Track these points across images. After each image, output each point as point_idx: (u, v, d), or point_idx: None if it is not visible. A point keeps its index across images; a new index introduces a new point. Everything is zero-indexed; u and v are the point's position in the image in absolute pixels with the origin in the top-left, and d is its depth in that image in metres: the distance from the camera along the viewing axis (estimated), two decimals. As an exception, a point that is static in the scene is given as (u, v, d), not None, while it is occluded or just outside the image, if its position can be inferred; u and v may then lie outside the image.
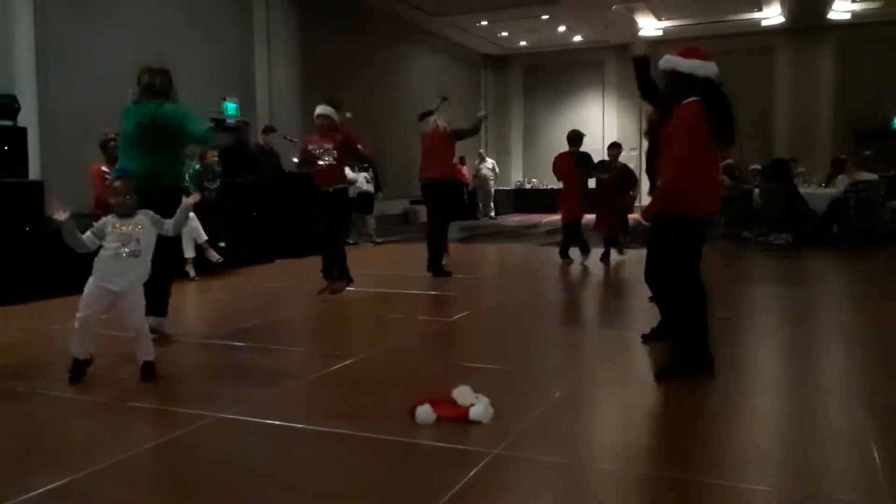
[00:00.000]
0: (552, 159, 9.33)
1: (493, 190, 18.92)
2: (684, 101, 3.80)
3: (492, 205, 18.78)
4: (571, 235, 9.01)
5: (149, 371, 3.91)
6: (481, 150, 19.39)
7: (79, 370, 3.88)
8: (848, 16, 17.70)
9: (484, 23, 18.33)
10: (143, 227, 3.89)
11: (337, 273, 6.42)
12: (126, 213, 3.89)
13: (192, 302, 6.89)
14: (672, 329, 4.15)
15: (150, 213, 3.96)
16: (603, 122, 20.77)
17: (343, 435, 3.04)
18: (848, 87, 18.73)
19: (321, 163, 6.36)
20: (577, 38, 20.04)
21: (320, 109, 6.48)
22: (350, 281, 6.51)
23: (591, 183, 9.20)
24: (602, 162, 9.33)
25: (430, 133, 7.86)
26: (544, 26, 18.78)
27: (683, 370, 3.80)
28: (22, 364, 4.38)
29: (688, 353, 3.86)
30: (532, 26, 18.80)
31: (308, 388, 3.85)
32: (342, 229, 6.52)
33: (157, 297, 4.64)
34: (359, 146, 7.16)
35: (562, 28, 19.03)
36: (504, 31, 19.45)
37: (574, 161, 8.94)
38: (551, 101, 21.66)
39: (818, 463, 2.79)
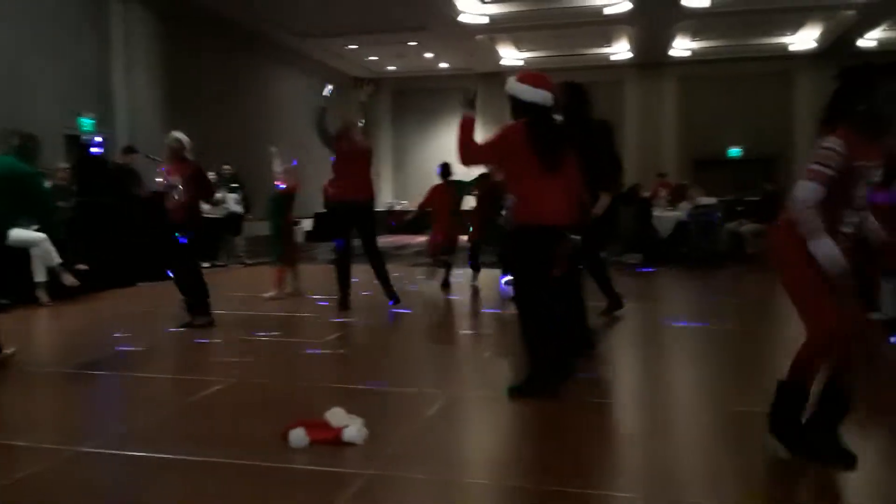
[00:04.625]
0: (422, 181, 9.35)
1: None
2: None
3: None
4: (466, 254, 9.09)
5: None
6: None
7: None
8: (688, 53, 19.31)
9: (353, 46, 18.44)
10: None
11: (197, 310, 6.08)
12: None
13: (44, 329, 6.49)
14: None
15: None
16: (469, 147, 21.31)
17: (216, 463, 3.00)
18: (688, 119, 20.49)
19: (174, 197, 6.02)
20: (444, 65, 20.56)
21: (173, 135, 6.14)
22: (212, 323, 6.10)
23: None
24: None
25: (360, 144, 6.97)
26: (412, 52, 19.15)
27: (533, 388, 3.87)
28: None
29: (537, 371, 3.90)
30: (400, 51, 19.12)
31: (176, 416, 3.75)
32: (195, 268, 6.13)
33: None
34: (227, 168, 6.91)
35: (429, 55, 19.48)
36: (373, 55, 19.64)
37: (452, 190, 9.09)
38: (420, 125, 22.08)
39: (680, 470, 3.01)
